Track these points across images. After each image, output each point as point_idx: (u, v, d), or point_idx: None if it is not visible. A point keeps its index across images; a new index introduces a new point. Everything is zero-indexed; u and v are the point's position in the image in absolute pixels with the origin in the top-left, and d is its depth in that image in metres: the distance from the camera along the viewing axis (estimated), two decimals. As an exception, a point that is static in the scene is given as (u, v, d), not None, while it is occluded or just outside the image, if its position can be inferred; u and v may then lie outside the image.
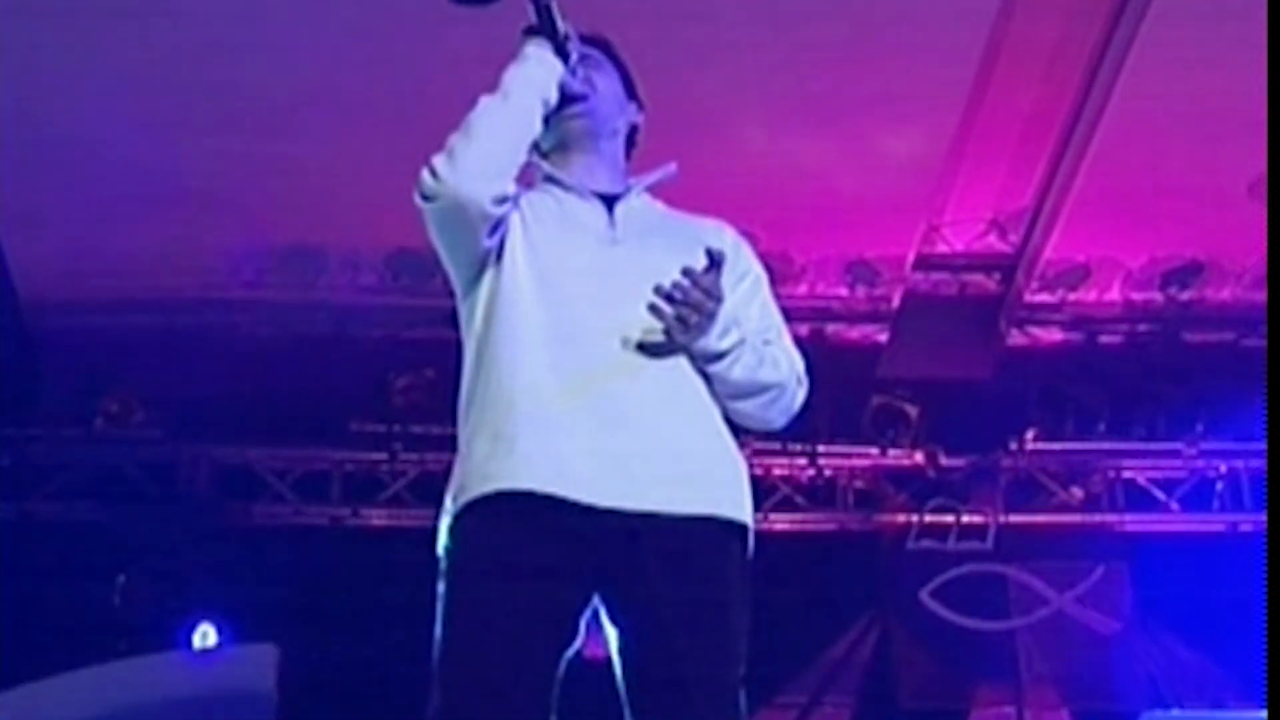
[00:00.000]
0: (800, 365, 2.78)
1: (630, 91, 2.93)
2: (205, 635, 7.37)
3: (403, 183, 2.76)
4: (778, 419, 2.77)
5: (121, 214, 6.77)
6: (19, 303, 7.19)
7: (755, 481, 2.75)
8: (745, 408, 2.71)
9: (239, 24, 5.88)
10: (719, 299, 2.56)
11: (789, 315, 2.88)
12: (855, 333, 7.74)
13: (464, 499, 2.57)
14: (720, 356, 2.63)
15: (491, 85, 2.71)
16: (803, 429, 2.81)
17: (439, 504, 2.64)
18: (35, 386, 7.66)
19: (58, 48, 5.93)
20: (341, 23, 5.91)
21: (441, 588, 2.55)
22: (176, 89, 6.16)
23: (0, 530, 7.43)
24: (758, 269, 2.86)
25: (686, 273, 2.53)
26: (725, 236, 2.82)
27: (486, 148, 2.62)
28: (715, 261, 2.55)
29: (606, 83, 2.87)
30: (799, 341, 2.83)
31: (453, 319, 2.83)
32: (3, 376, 7.38)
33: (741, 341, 2.64)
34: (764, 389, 2.70)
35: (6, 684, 6.12)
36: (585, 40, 2.83)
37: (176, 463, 7.88)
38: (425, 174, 2.62)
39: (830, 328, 7.58)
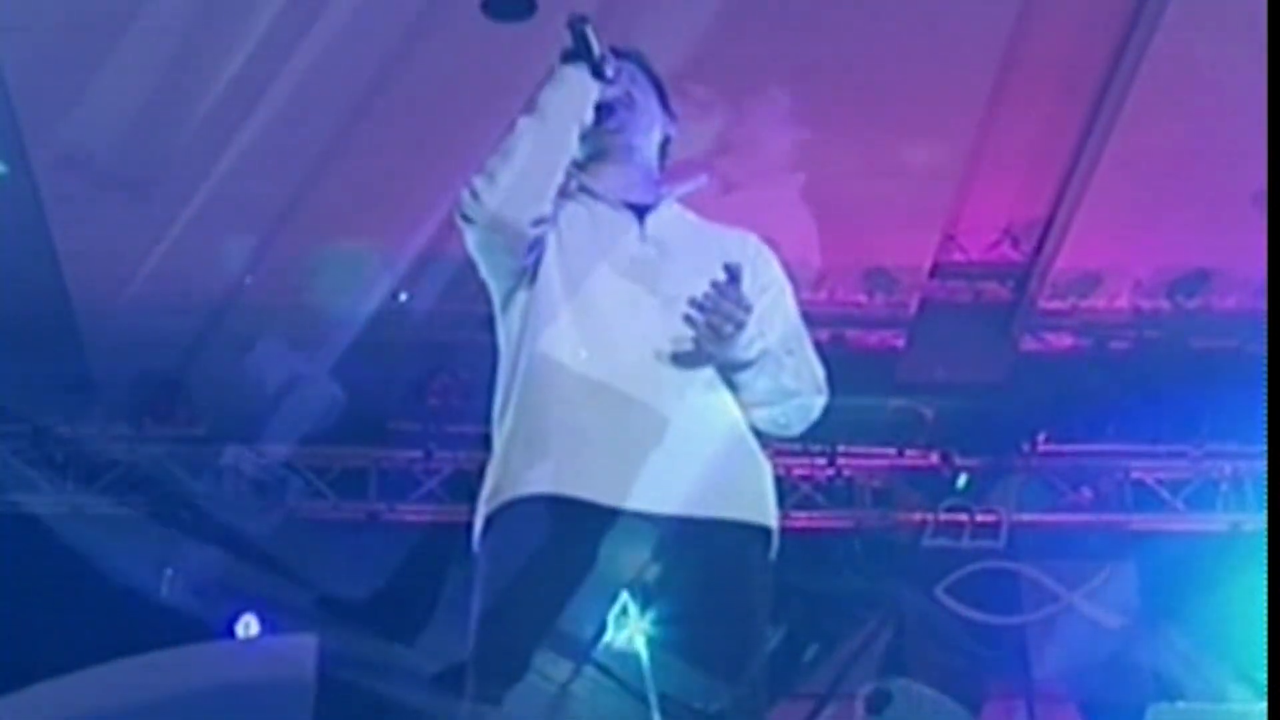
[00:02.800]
0: (821, 375, 2.80)
1: (664, 103, 2.97)
2: (248, 626, 7.49)
3: (438, 189, 2.87)
4: (796, 426, 2.80)
5: (168, 220, 6.79)
6: (73, 306, 7.27)
7: (776, 481, 2.77)
8: (767, 415, 2.74)
9: (282, 45, 5.96)
10: (749, 309, 2.58)
11: (810, 321, 2.87)
12: (874, 338, 7.72)
13: (498, 501, 2.63)
14: (747, 365, 2.66)
15: (522, 95, 2.77)
16: (822, 430, 2.92)
17: (472, 500, 2.70)
18: (87, 386, 7.75)
19: (105, 59, 6.00)
20: (381, 32, 5.96)
21: (476, 584, 2.61)
22: (222, 99, 6.20)
23: (54, 524, 7.59)
24: (782, 279, 2.87)
25: (715, 284, 2.56)
26: (748, 247, 2.85)
27: (524, 171, 2.65)
28: (733, 275, 2.57)
29: (642, 95, 2.89)
30: (819, 346, 2.83)
31: (486, 324, 2.88)
32: (57, 377, 7.51)
33: (766, 351, 2.67)
34: (786, 397, 2.73)
35: (56, 672, 6.24)
36: (618, 53, 2.84)
37: (221, 459, 7.98)
38: (465, 195, 2.66)
39: (850, 333, 7.56)
